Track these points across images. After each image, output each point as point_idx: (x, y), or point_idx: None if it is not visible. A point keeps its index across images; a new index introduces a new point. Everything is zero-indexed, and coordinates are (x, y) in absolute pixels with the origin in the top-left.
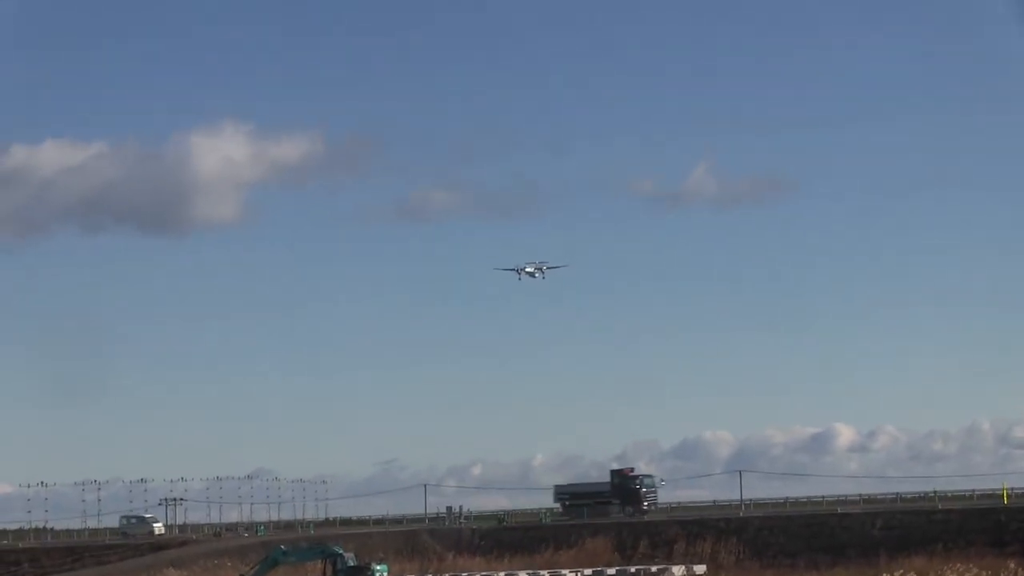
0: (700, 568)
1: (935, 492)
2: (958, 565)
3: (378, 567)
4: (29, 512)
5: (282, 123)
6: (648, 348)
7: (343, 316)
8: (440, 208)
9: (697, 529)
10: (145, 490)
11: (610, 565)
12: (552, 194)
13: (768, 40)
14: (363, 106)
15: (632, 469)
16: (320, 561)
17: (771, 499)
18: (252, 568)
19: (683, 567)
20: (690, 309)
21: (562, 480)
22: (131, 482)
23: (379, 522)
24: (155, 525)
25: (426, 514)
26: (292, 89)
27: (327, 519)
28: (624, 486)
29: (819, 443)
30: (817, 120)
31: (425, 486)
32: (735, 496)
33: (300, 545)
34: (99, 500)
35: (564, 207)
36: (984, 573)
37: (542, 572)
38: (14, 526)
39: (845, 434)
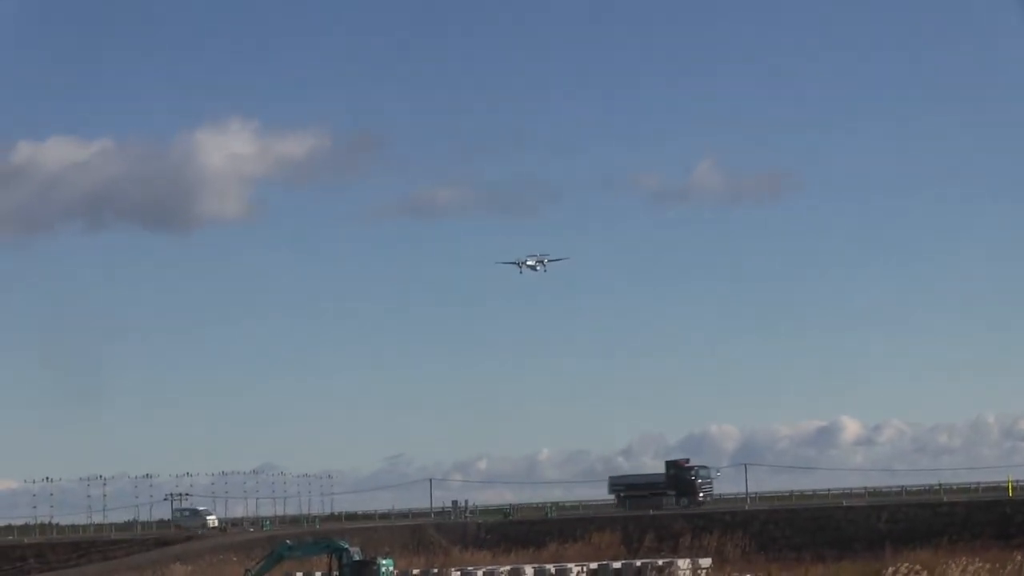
0: (706, 562)
1: (940, 485)
2: (963, 558)
3: (384, 561)
4: (34, 508)
5: (288, 120)
6: (654, 342)
7: (349, 312)
8: (445, 205)
9: (703, 523)
10: (151, 485)
11: (616, 559)
12: (557, 190)
13: (774, 36)
14: (369, 103)
15: (687, 460)
16: (326, 556)
17: (777, 492)
18: (258, 563)
19: (689, 561)
20: (696, 303)
21: (567, 476)
22: (137, 477)
23: (385, 516)
24: (208, 517)
25: (432, 508)
26: (298, 86)
27: (333, 514)
28: (680, 477)
29: (825, 437)
30: (823, 117)
31: (431, 480)
32: (741, 490)
33: (306, 540)
34: (104, 496)
35: (570, 203)
36: (989, 566)
37: (548, 566)
38: (20, 522)
39: (851, 428)
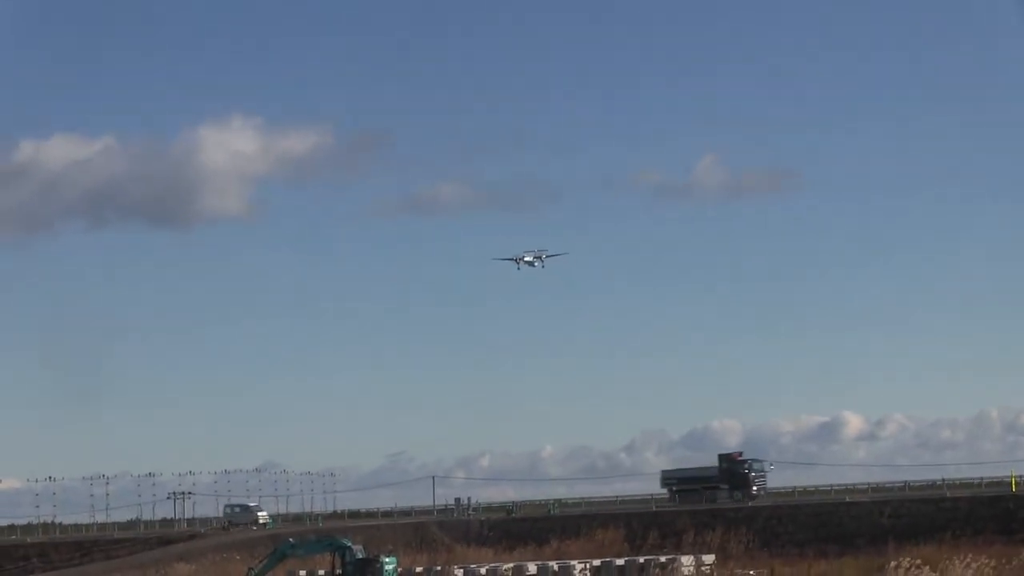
0: (709, 558)
1: (943, 480)
2: (967, 553)
3: (387, 559)
4: (37, 507)
5: (289, 118)
6: (656, 339)
7: (350, 310)
8: (446, 203)
9: (706, 519)
10: (153, 484)
11: (620, 555)
12: (559, 189)
13: (775, 35)
14: (370, 102)
15: (740, 453)
16: (329, 554)
17: (780, 488)
18: (261, 561)
19: (692, 557)
20: (698, 300)
21: (569, 473)
22: (139, 476)
23: (387, 514)
24: (260, 514)
25: (434, 506)
26: (300, 85)
27: (335, 512)
28: (733, 471)
29: (827, 432)
30: (824, 115)
31: (433, 478)
32: None
33: (308, 538)
34: (107, 495)
35: (571, 202)
36: (993, 561)
37: (551, 563)
38: (23, 521)
39: (853, 423)
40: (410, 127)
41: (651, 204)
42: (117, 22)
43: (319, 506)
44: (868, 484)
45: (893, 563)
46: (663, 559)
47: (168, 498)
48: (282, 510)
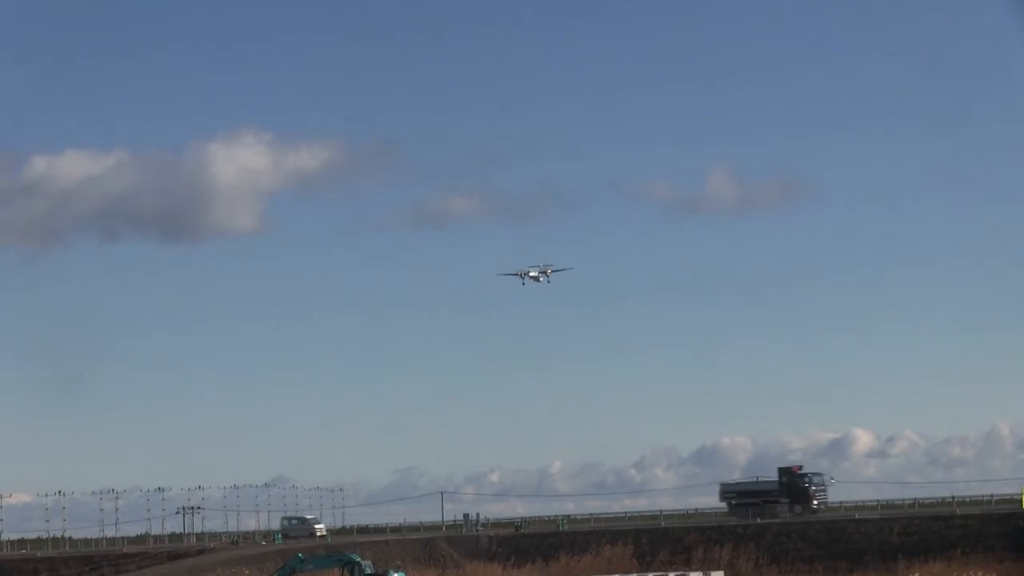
0: (718, 575)
1: (953, 497)
2: (977, 571)
3: (396, 574)
4: (47, 521)
5: (300, 132)
6: (665, 353)
7: (361, 323)
8: (458, 215)
9: (715, 535)
10: (163, 499)
11: (628, 572)
12: (570, 200)
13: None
14: (380, 114)
15: (800, 467)
16: (338, 569)
17: None
18: None
19: (701, 574)
20: (708, 313)
21: (579, 489)
22: (149, 491)
23: (396, 529)
24: (317, 526)
25: (443, 521)
26: (309, 98)
27: (344, 527)
28: (793, 484)
29: (837, 449)
30: (836, 124)
31: (442, 493)
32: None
33: (318, 553)
34: (117, 509)
35: (582, 213)
36: None
37: None
38: (32, 535)
39: (864, 439)
40: (419, 139)
41: (662, 215)
42: (129, 38)
43: (328, 521)
44: (878, 501)
45: None
46: (672, 575)
47: (177, 513)
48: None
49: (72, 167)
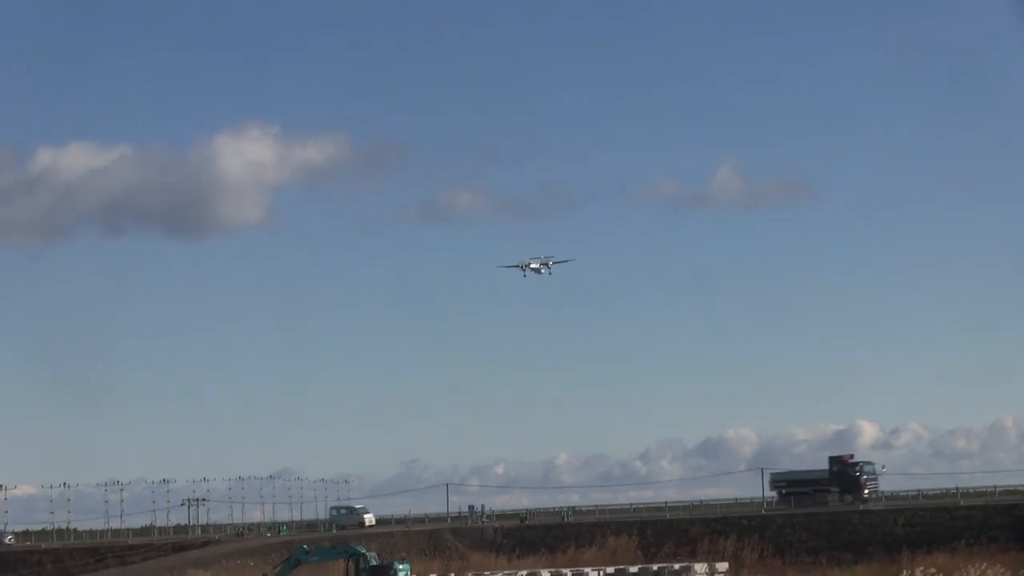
0: (723, 566)
1: (957, 489)
2: (981, 562)
3: (400, 566)
4: (52, 513)
5: (306, 127)
6: (671, 347)
7: (366, 317)
8: (464, 211)
9: (720, 527)
10: (168, 491)
11: (633, 563)
12: (577, 197)
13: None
14: (387, 110)
15: (851, 456)
16: (343, 560)
17: None
18: (275, 568)
19: (705, 565)
20: (714, 308)
21: (584, 480)
22: (154, 483)
23: (401, 521)
24: (366, 516)
25: (448, 513)
26: (316, 93)
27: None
28: (843, 473)
29: (843, 440)
30: (841, 124)
31: (447, 485)
32: (759, 494)
33: (323, 545)
34: (122, 501)
35: (587, 210)
36: (1007, 570)
37: (564, 571)
38: (37, 527)
39: (869, 431)
40: (426, 136)
41: (667, 213)
42: (134, 32)
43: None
44: (882, 492)
45: (907, 572)
46: (677, 567)
47: (182, 504)
48: (296, 517)
49: (77, 160)
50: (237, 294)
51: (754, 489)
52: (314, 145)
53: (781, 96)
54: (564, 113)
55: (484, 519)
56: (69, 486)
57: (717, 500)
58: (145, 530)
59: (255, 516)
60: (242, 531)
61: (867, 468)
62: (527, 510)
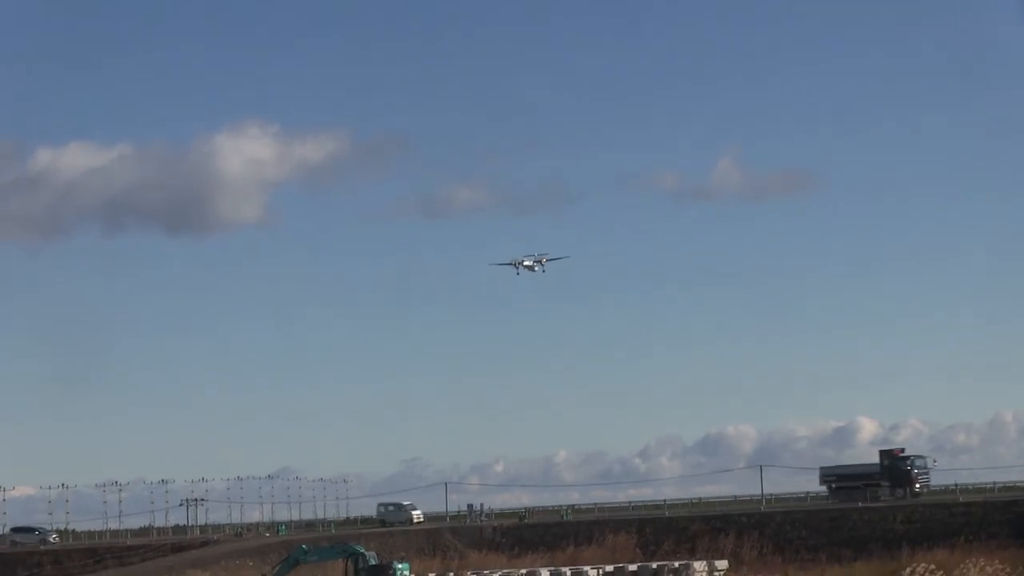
0: (722, 563)
1: (956, 485)
2: (980, 558)
3: (400, 566)
4: (50, 514)
5: (305, 124)
6: (670, 342)
7: (366, 315)
8: (464, 207)
9: (719, 524)
10: (167, 491)
11: (632, 561)
12: (577, 190)
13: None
14: (387, 106)
15: (902, 449)
16: (342, 560)
17: (793, 493)
18: (274, 568)
19: (705, 563)
20: (713, 303)
21: (583, 478)
22: (152, 483)
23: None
24: (414, 512)
25: (447, 512)
26: (315, 90)
27: (348, 518)
28: (895, 467)
29: (842, 437)
30: (843, 115)
31: (446, 484)
32: (758, 491)
33: (322, 544)
34: (120, 501)
35: (588, 203)
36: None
37: (564, 569)
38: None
39: (868, 427)
40: (426, 131)
41: (667, 206)
42: (133, 30)
43: (332, 512)
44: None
45: (907, 568)
46: (676, 565)
47: (181, 505)
48: (295, 516)
49: (76, 159)
50: (236, 292)
51: (753, 486)
52: (313, 142)
53: (782, 88)
54: (564, 106)
55: (483, 518)
56: (67, 487)
57: (717, 497)
58: (144, 531)
59: (254, 516)
60: (241, 531)
61: (918, 462)
62: (526, 508)
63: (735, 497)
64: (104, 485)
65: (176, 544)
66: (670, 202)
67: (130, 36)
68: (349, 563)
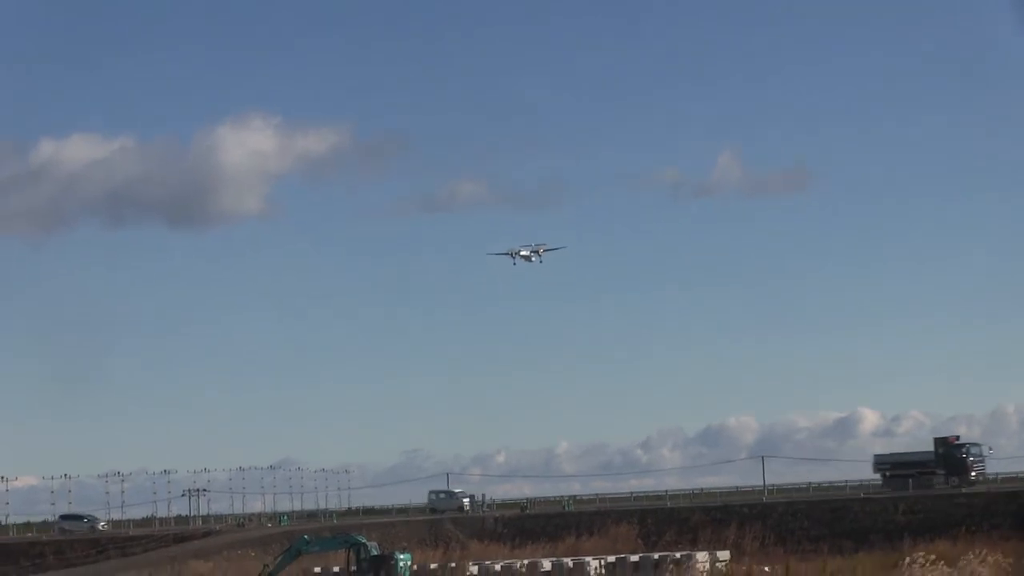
0: (724, 554)
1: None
2: (982, 549)
3: (401, 556)
4: (53, 504)
5: (307, 118)
6: (672, 334)
7: (367, 307)
8: (465, 202)
9: (721, 515)
10: (169, 481)
11: (634, 552)
12: (578, 187)
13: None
14: (388, 100)
15: (957, 437)
16: (344, 550)
17: (795, 484)
18: (276, 558)
19: (707, 553)
20: (715, 296)
21: (585, 469)
22: (155, 474)
23: (402, 511)
24: (464, 500)
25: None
26: (317, 84)
27: (350, 508)
28: (950, 455)
29: (844, 428)
30: (844, 112)
31: (448, 475)
32: (760, 482)
33: (323, 535)
34: (123, 492)
35: (589, 199)
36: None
37: (565, 559)
38: (39, 518)
39: (870, 418)
40: (427, 127)
41: (667, 202)
42: (135, 22)
43: (334, 503)
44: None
45: (908, 559)
46: (678, 555)
47: (183, 495)
48: (297, 507)
49: (78, 152)
50: (238, 285)
51: (755, 477)
52: (315, 135)
53: (782, 88)
54: (564, 106)
55: (485, 508)
56: (70, 477)
57: (718, 488)
58: (146, 521)
59: (256, 506)
60: (243, 521)
61: (974, 450)
62: (528, 499)
63: (737, 488)
64: (107, 476)
65: (178, 535)
66: (670, 201)
67: (131, 36)
68: (351, 553)
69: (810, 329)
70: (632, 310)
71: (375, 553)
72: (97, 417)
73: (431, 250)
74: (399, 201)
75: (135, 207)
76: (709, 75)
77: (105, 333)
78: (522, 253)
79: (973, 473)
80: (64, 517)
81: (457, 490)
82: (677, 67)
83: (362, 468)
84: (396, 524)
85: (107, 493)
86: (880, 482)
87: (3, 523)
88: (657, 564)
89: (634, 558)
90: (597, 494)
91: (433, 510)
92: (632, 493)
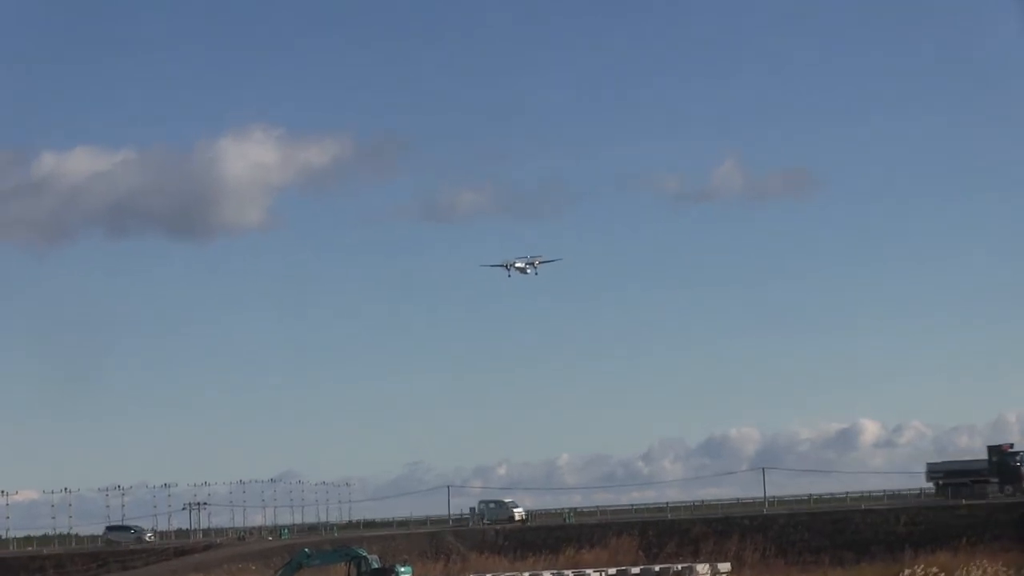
0: (725, 566)
1: None
2: (983, 560)
3: (402, 569)
4: (53, 518)
5: (310, 127)
6: (673, 345)
7: (368, 318)
8: (467, 209)
9: (722, 527)
10: (169, 495)
11: (635, 564)
12: (579, 192)
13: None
14: (389, 109)
15: (1011, 445)
16: (344, 563)
17: (796, 496)
18: (277, 571)
19: (708, 565)
20: (716, 304)
21: (586, 481)
22: (155, 487)
23: (403, 524)
24: (515, 509)
25: (450, 515)
26: (318, 94)
27: (351, 521)
28: (1004, 464)
29: (845, 439)
30: (845, 116)
31: (448, 487)
32: (761, 493)
33: (324, 548)
34: (123, 505)
35: (589, 205)
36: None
37: (566, 572)
38: (39, 532)
39: (871, 430)
40: (427, 135)
41: (669, 208)
42: (137, 35)
43: (335, 516)
44: (885, 491)
45: (909, 570)
46: (679, 567)
47: (184, 509)
48: (298, 520)
49: (81, 164)
50: (239, 296)
51: (756, 489)
52: (316, 145)
53: (782, 88)
54: (564, 106)
55: (485, 521)
56: (70, 491)
57: (719, 500)
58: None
59: (256, 520)
60: (243, 535)
61: None
62: (529, 511)
63: (738, 499)
64: (107, 489)
65: (179, 548)
66: (671, 203)
67: (134, 42)
68: (351, 566)
69: (809, 337)
70: (632, 319)
71: (376, 566)
72: (98, 430)
73: (432, 258)
74: (399, 208)
75: (137, 218)
76: (710, 76)
77: (106, 345)
78: (517, 265)
79: None
80: (110, 528)
81: (507, 499)
82: (677, 68)
83: (363, 481)
84: (397, 537)
85: (107, 507)
86: (933, 491)
87: (3, 537)
88: None
89: (635, 570)
90: (598, 506)
91: (482, 519)
92: (633, 505)
